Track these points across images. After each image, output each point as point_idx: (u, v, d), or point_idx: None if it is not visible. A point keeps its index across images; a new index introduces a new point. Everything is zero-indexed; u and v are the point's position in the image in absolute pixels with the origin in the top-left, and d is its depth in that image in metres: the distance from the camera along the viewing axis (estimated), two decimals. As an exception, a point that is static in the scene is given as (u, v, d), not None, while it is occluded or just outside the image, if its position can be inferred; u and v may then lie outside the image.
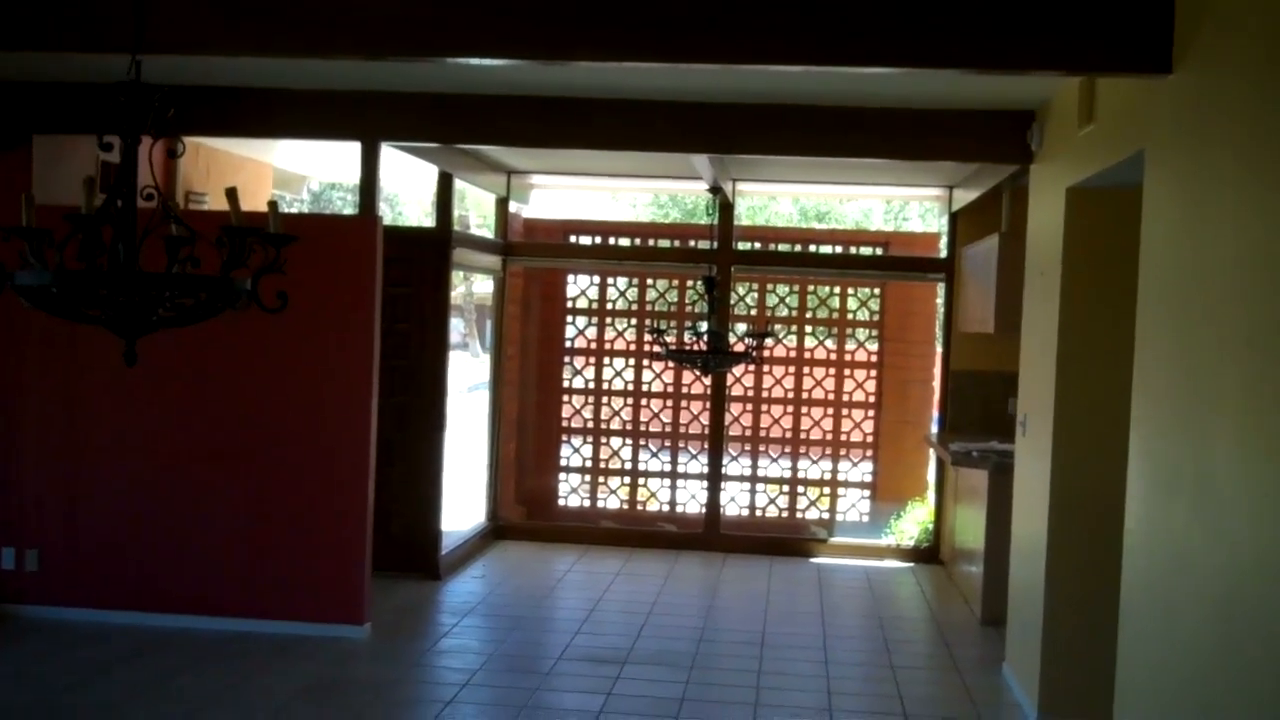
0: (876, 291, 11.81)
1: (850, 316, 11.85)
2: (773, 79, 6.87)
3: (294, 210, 12.78)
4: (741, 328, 11.17)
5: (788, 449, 11.85)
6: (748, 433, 11.87)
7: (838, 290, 11.80)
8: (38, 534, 7.90)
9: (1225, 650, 4.05)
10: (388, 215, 28.86)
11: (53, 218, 3.48)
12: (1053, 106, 6.95)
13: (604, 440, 11.99)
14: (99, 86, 3.39)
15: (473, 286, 32.18)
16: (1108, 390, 6.12)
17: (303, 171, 12.17)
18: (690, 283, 11.77)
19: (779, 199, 25.69)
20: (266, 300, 3.46)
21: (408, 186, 18.10)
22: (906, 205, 26.28)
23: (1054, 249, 6.65)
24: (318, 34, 5.30)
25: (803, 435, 11.82)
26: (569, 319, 12.03)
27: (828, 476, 11.83)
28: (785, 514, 11.78)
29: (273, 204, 3.58)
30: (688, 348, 10.13)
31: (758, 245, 11.76)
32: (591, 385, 12.00)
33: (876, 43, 5.10)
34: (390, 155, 8.51)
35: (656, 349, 9.74)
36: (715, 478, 11.13)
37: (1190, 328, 4.53)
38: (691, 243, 11.87)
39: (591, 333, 12.01)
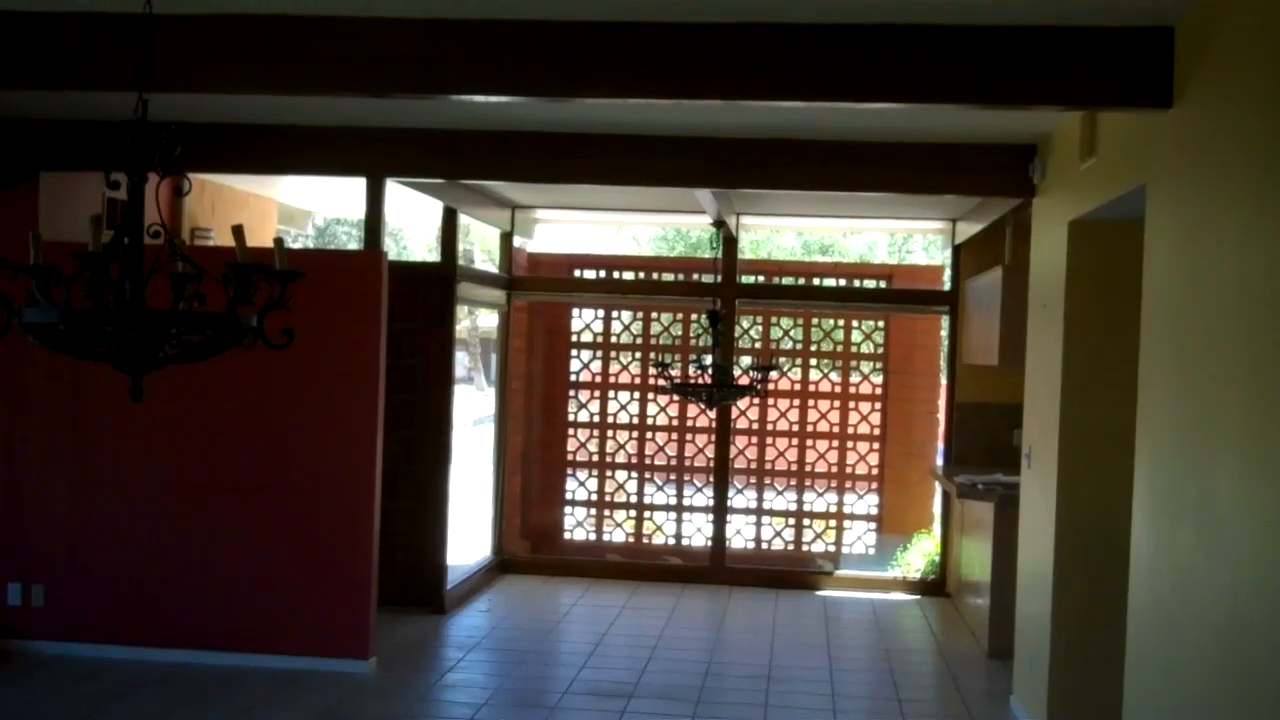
0: (881, 324, 11.82)
1: (854, 349, 11.87)
2: (775, 114, 6.90)
3: (299, 245, 12.82)
4: (746, 361, 11.18)
5: (793, 481, 11.85)
6: (753, 465, 11.86)
7: (842, 323, 11.82)
8: (44, 570, 7.90)
9: (1230, 675, 4.04)
10: (392, 250, 28.93)
11: (60, 255, 3.50)
12: (1054, 140, 6.98)
13: (609, 474, 11.99)
14: (106, 124, 3.43)
15: (477, 321, 32.23)
16: (1112, 421, 6.12)
17: (307, 207, 12.21)
18: (694, 316, 11.79)
19: (782, 232, 25.73)
20: (273, 337, 3.48)
21: (412, 221, 18.17)
22: (910, 238, 26.33)
23: (1057, 282, 6.67)
24: (322, 72, 5.34)
25: (808, 468, 11.81)
26: (574, 353, 12.05)
27: (833, 509, 11.82)
28: (791, 547, 11.76)
29: (278, 240, 3.60)
30: (692, 381, 10.13)
31: (761, 279, 11.78)
32: (596, 419, 12.00)
33: (878, 78, 5.13)
34: (395, 190, 8.55)
35: (661, 382, 9.74)
36: (720, 511, 11.11)
37: (1192, 358, 4.54)
38: (695, 276, 11.90)
39: (596, 366, 12.03)
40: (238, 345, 3.42)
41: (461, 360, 30.06)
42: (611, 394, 11.99)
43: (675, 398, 11.27)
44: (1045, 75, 5.00)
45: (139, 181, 3.42)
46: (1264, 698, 3.76)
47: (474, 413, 21.73)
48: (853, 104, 5.47)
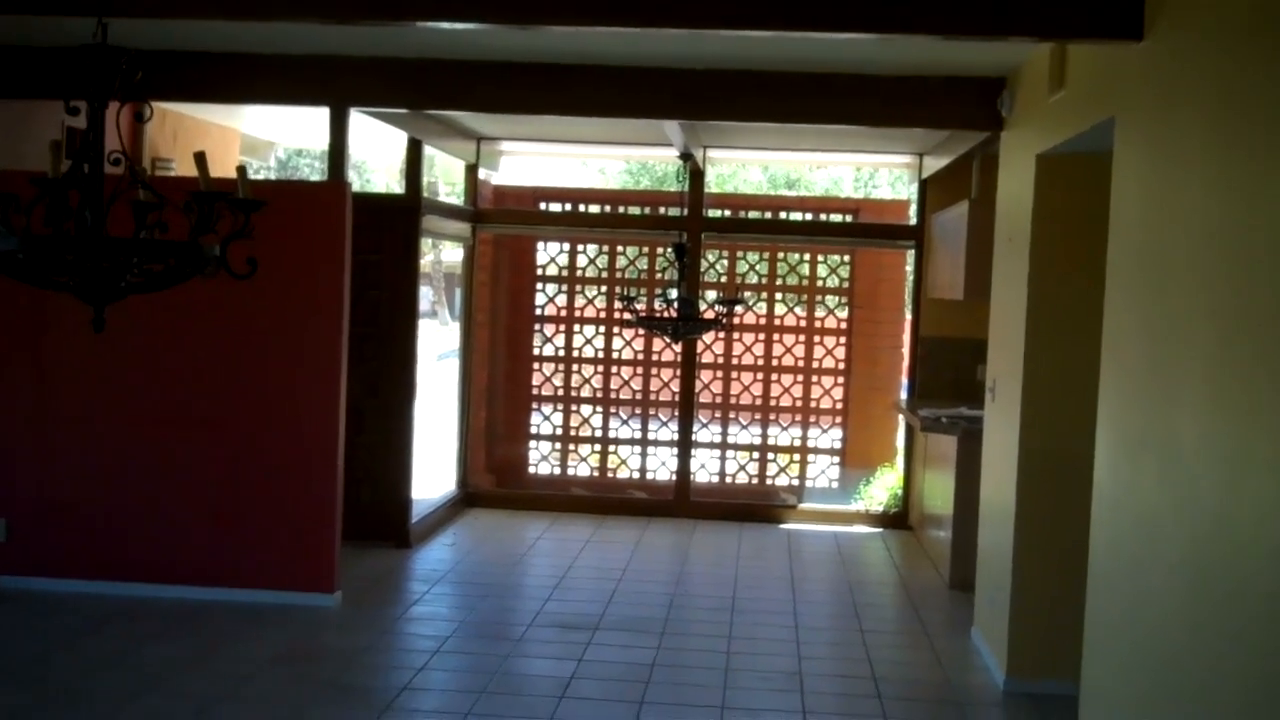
0: (846, 259, 11.82)
1: (820, 284, 11.86)
2: (743, 44, 6.85)
3: (261, 177, 12.69)
4: (712, 295, 11.16)
5: (758, 416, 11.88)
6: (718, 400, 11.88)
7: (807, 257, 11.80)
8: (6, 504, 7.84)
9: (1189, 609, 4.09)
10: (356, 183, 28.63)
11: (17, 183, 3.44)
12: (1024, 73, 6.96)
13: (574, 408, 11.98)
14: (64, 50, 3.34)
15: (441, 254, 32.09)
16: (1076, 355, 6.15)
17: (270, 138, 12.08)
18: (660, 250, 11.76)
19: (748, 166, 25.70)
20: (235, 266, 3.44)
21: (376, 153, 18.00)
22: (876, 173, 26.32)
23: (1023, 216, 6.67)
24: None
25: (772, 402, 11.84)
26: (539, 286, 12.00)
27: (797, 443, 11.87)
28: (755, 480, 11.82)
29: (241, 169, 3.55)
30: (658, 315, 10.13)
31: (728, 213, 11.75)
32: (561, 353, 11.98)
33: (846, 8, 5.10)
34: (359, 121, 8.45)
35: (627, 316, 9.73)
36: (685, 445, 11.14)
37: (1158, 293, 4.56)
38: (661, 210, 11.85)
39: (561, 300, 11.99)
40: (200, 274, 3.38)
41: (425, 294, 29.98)
42: (577, 328, 11.96)
43: (640, 332, 11.27)
44: (1015, 6, 4.99)
45: (99, 108, 3.36)
46: (1222, 632, 3.81)
47: (439, 347, 21.66)
48: (819, 34, 5.45)
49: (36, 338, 7.76)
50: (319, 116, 8.12)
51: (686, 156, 10.01)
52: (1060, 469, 6.39)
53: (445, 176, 25.57)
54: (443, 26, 5.81)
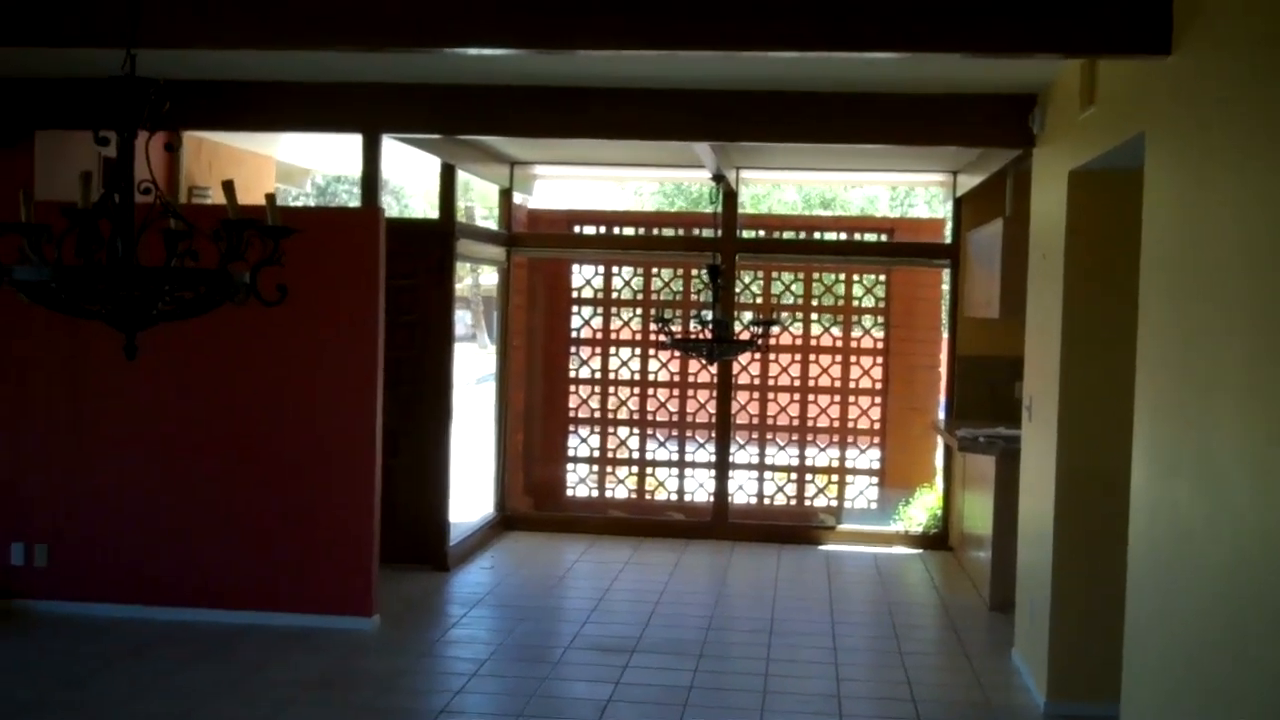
0: (882, 278, 11.78)
1: (856, 303, 11.84)
2: (773, 65, 6.85)
3: (299, 204, 12.77)
4: (748, 316, 11.16)
5: (795, 436, 11.85)
6: (754, 421, 11.86)
7: (843, 277, 11.78)
8: (46, 530, 7.92)
9: (1225, 626, 4.05)
10: (394, 208, 28.87)
11: (55, 214, 3.49)
12: (1054, 90, 6.94)
13: (611, 430, 11.99)
14: (95, 82, 3.39)
15: (480, 278, 32.19)
16: (1112, 372, 6.10)
17: (306, 165, 12.16)
18: (695, 271, 11.76)
19: (783, 186, 25.66)
20: (266, 293, 3.46)
21: (414, 179, 18.11)
22: (912, 192, 26.25)
23: (1056, 233, 6.64)
24: (314, 27, 5.30)
25: (809, 423, 11.81)
26: (574, 309, 12.03)
27: (835, 464, 11.82)
28: (793, 502, 11.78)
29: (270, 196, 3.58)
30: (693, 336, 10.12)
31: (762, 233, 11.75)
32: (598, 375, 12.00)
33: (877, 27, 5.09)
34: (395, 148, 8.50)
35: (661, 338, 9.73)
36: (722, 466, 11.12)
37: (1191, 308, 4.52)
38: (696, 231, 11.86)
39: (597, 322, 12.01)
40: (230, 301, 3.41)
41: (464, 319, 30.09)
42: (613, 350, 11.98)
43: (677, 353, 11.27)
44: (1043, 22, 4.96)
45: (128, 138, 3.40)
46: (1258, 649, 3.76)
47: (477, 371, 21.72)
48: (849, 53, 5.43)
49: (75, 365, 7.84)
50: (354, 143, 8.18)
51: (719, 178, 10.01)
52: (1099, 487, 6.34)
53: (483, 201, 25.67)
54: (472, 53, 5.84)
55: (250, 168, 10.29)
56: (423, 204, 28.93)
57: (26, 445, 7.95)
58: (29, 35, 5.46)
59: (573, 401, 12.02)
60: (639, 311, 11.98)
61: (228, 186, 3.41)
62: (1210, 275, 4.31)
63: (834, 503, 11.76)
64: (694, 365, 11.65)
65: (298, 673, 6.93)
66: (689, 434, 11.86)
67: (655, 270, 11.98)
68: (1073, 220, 6.46)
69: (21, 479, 7.95)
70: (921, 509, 11.21)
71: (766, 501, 11.77)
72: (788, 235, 12.03)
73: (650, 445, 12.00)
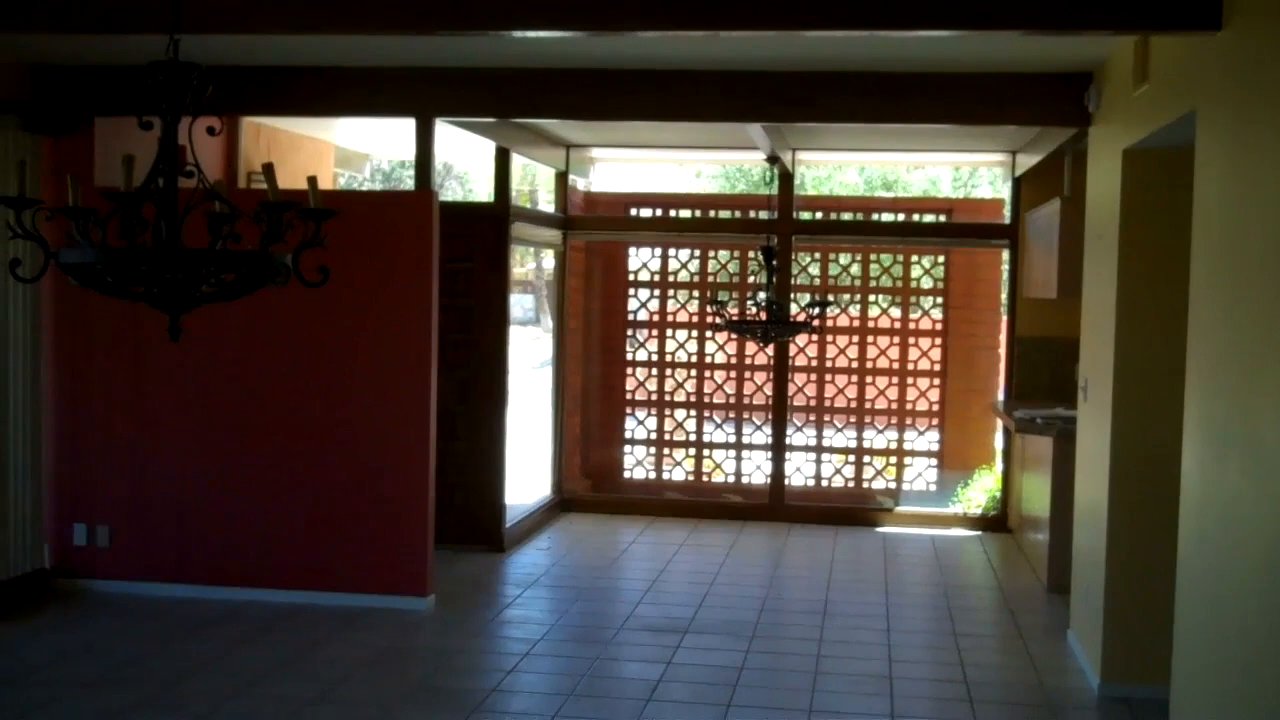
0: (941, 259, 11.71)
1: (914, 284, 11.77)
2: (827, 45, 6.81)
3: (365, 188, 12.85)
4: (805, 298, 11.12)
5: (852, 418, 11.81)
6: (812, 402, 11.84)
7: (901, 258, 11.72)
8: (108, 511, 8.06)
9: (1274, 607, 4.00)
10: (458, 192, 29.02)
11: (97, 198, 3.54)
12: (1109, 67, 6.85)
13: (668, 412, 12.01)
14: (140, 68, 3.44)
15: (543, 263, 32.28)
16: (1166, 353, 6.03)
17: (364, 150, 12.26)
18: (751, 253, 11.73)
19: (844, 168, 25.53)
20: (309, 275, 3.49)
21: (478, 165, 18.16)
22: (975, 172, 26.00)
23: (1111, 212, 6.57)
24: (364, 10, 5.34)
25: (867, 404, 11.76)
26: (631, 291, 12.05)
27: (893, 445, 11.77)
28: (851, 484, 11.74)
29: (312, 179, 3.61)
30: (749, 318, 10.11)
31: (819, 215, 11.70)
32: (655, 357, 12.01)
33: (932, 4, 5.06)
34: (456, 133, 8.52)
35: (716, 320, 9.72)
36: (779, 448, 11.11)
37: (1241, 287, 4.46)
38: (752, 214, 11.83)
39: (654, 305, 12.02)
40: (271, 283, 3.45)
41: (522, 302, 30.17)
42: (669, 332, 11.99)
43: (733, 335, 11.27)
44: (1093, -1, 4.91)
45: (171, 122, 3.45)
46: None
47: (540, 355, 21.78)
48: (903, 32, 5.40)
49: (135, 348, 7.97)
50: (412, 128, 8.22)
51: (774, 159, 9.98)
52: (1153, 469, 6.27)
53: (546, 185, 25.73)
54: (522, 35, 5.86)
55: (308, 153, 10.38)
56: (487, 189, 29.02)
57: (88, 428, 8.09)
58: (85, 23, 5.55)
59: (630, 384, 12.05)
60: (695, 294, 11.98)
61: (268, 169, 3.46)
62: (1261, 255, 4.25)
63: (892, 485, 11.71)
64: (751, 347, 11.63)
65: (352, 651, 7.01)
66: (746, 416, 11.85)
67: (712, 253, 11.97)
68: (1127, 200, 6.39)
69: (84, 461, 8.10)
70: (980, 491, 11.15)
71: (824, 483, 11.74)
72: (845, 217, 11.96)
73: (707, 427, 12.00)
